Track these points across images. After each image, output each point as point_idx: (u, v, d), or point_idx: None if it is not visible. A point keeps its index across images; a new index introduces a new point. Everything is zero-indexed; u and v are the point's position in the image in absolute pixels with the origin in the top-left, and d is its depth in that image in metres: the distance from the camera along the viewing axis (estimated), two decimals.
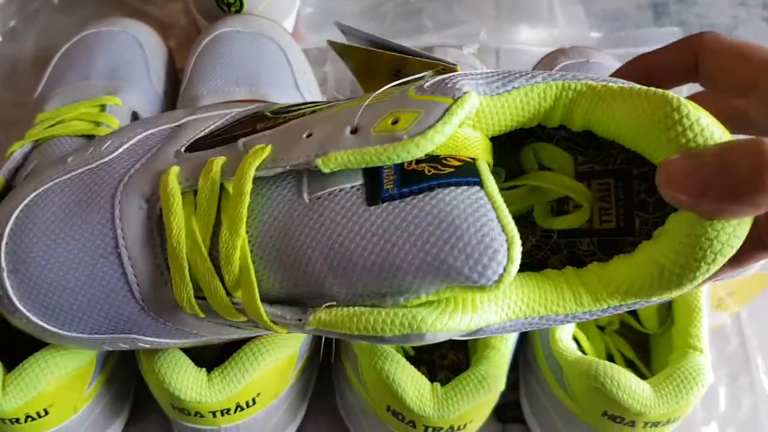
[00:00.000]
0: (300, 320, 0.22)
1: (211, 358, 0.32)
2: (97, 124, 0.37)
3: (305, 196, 0.22)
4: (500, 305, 0.21)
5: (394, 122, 0.21)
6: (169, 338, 0.27)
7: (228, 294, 0.23)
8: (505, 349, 0.32)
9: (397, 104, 0.22)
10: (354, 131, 0.21)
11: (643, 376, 0.32)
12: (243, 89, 0.40)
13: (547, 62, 0.47)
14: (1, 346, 0.29)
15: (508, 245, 0.19)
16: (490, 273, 0.19)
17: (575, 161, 0.25)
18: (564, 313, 0.22)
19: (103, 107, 0.37)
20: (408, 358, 0.37)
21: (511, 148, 0.26)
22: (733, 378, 0.42)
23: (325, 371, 0.39)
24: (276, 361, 0.30)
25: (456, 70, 0.23)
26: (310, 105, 0.26)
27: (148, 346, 0.28)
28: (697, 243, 0.19)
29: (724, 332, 0.43)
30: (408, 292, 0.20)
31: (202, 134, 0.26)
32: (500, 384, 0.31)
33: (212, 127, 0.27)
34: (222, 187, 0.23)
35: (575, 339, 0.36)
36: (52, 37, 0.49)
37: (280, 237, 0.22)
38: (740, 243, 0.20)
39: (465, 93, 0.21)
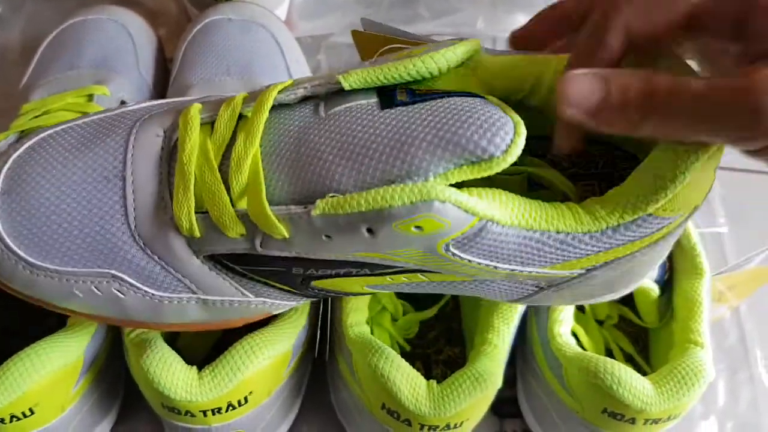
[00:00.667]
0: (305, 208, 0.22)
1: (201, 355, 0.31)
2: (85, 114, 0.36)
3: (322, 112, 0.24)
4: (505, 203, 0.22)
5: (409, 53, 0.24)
6: (148, 284, 0.26)
7: (232, 204, 0.24)
8: (502, 344, 0.32)
9: (409, 48, 0.25)
10: (372, 63, 0.24)
11: (642, 371, 0.32)
12: (234, 78, 0.39)
13: None
14: None
15: (514, 123, 0.21)
16: (498, 141, 0.21)
17: (562, 168, 0.27)
18: (564, 231, 0.22)
19: (90, 97, 0.37)
20: (403, 353, 0.36)
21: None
22: (732, 372, 0.42)
23: (319, 366, 0.38)
24: (269, 359, 0.30)
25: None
26: None
27: (122, 296, 0.27)
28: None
29: (723, 326, 0.43)
30: (418, 174, 0.21)
31: None
32: (497, 381, 0.31)
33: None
34: (240, 117, 0.25)
35: (574, 334, 0.36)
36: (40, 25, 0.48)
37: (293, 146, 0.23)
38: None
39: (456, 42, 0.24)
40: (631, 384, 0.30)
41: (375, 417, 0.32)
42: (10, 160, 0.26)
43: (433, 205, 0.21)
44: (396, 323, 0.37)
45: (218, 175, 0.24)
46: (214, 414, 0.29)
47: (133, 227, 0.25)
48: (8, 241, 0.25)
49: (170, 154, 0.25)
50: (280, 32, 0.43)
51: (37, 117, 0.36)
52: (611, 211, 0.22)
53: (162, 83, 0.44)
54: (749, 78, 0.19)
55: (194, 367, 0.29)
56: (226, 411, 0.29)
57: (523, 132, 0.21)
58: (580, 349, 0.33)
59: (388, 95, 0.23)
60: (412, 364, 0.30)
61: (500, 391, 0.32)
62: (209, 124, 0.25)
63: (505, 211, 0.22)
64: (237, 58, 0.40)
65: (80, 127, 0.28)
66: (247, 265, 0.26)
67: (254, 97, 0.25)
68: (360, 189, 0.22)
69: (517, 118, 0.22)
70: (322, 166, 0.22)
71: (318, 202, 0.22)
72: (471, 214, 0.21)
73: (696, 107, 0.20)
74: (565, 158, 0.27)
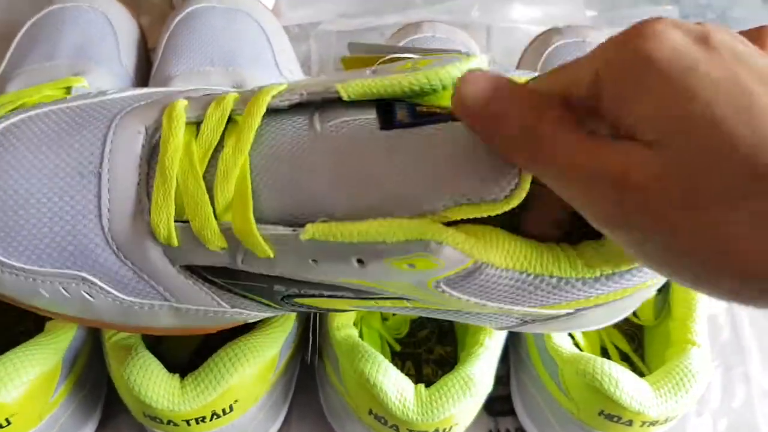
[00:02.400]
0: (294, 230, 0.21)
1: (185, 360, 0.30)
2: (63, 99, 0.34)
3: (317, 126, 0.22)
4: (502, 246, 0.21)
5: (414, 65, 0.22)
6: (119, 289, 0.25)
7: (216, 217, 0.23)
8: (494, 346, 0.31)
9: (414, 59, 0.23)
10: (373, 72, 0.23)
11: (637, 370, 0.32)
12: (218, 69, 0.38)
13: (542, 41, 0.45)
14: None
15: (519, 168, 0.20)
16: (504, 184, 0.20)
17: None
18: (558, 276, 0.21)
19: (68, 89, 0.36)
20: (394, 353, 0.36)
21: None
22: (726, 369, 0.41)
23: (309, 368, 0.37)
24: (255, 365, 0.29)
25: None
26: None
27: (92, 299, 0.25)
28: None
29: (718, 322, 0.43)
30: (415, 209, 0.20)
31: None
32: (488, 384, 0.30)
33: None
34: (230, 120, 0.23)
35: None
36: (15, 13, 0.47)
37: (284, 161, 0.22)
38: None
39: (469, 55, 0.23)
40: (629, 386, 0.29)
41: (363, 422, 0.31)
42: None
43: (429, 245, 0.20)
44: (386, 323, 0.36)
45: (202, 183, 0.23)
46: (197, 423, 0.28)
47: (106, 229, 0.24)
48: None
49: (151, 153, 0.24)
50: (267, 21, 0.42)
51: (13, 110, 0.34)
52: (607, 259, 0.21)
53: (144, 74, 0.42)
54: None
55: (177, 375, 0.28)
56: (211, 420, 0.28)
57: (527, 178, 0.20)
58: (576, 350, 0.32)
59: (387, 110, 0.22)
60: (403, 363, 0.29)
61: (493, 389, 0.31)
62: (195, 124, 0.24)
63: (501, 252, 0.21)
64: (221, 48, 0.39)
65: (55, 114, 0.26)
66: (227, 278, 0.25)
67: (246, 99, 0.23)
68: (353, 216, 0.20)
69: None
70: (315, 186, 0.21)
71: (308, 226, 0.21)
72: (467, 256, 0.20)
73: (560, 167, 0.17)
74: None
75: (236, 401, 0.29)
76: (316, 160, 0.21)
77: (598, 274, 0.21)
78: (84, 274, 0.24)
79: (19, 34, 0.41)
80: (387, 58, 0.25)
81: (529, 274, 0.21)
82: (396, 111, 0.22)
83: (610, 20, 0.53)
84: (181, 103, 0.24)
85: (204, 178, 0.23)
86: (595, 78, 0.17)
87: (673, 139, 0.15)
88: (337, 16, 0.53)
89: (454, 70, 0.21)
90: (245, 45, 0.39)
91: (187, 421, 0.28)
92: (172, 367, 0.29)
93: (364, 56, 0.27)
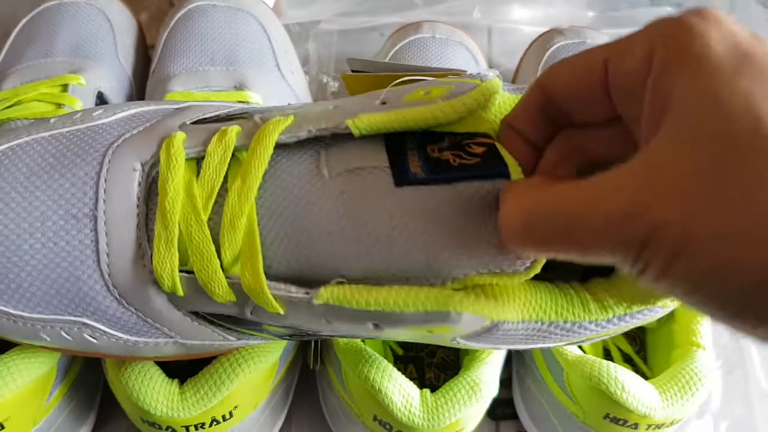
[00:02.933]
0: (307, 293, 0.20)
1: (183, 366, 0.30)
2: (59, 105, 0.34)
3: (325, 172, 0.21)
4: (518, 300, 0.21)
5: (426, 93, 0.21)
6: (124, 332, 0.24)
7: (223, 269, 0.21)
8: (499, 350, 0.31)
9: (425, 85, 0.22)
10: (383, 103, 0.22)
11: (640, 372, 0.32)
12: (218, 68, 0.37)
13: (543, 42, 0.45)
14: None
15: None
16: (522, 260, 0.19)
17: None
18: (572, 320, 0.21)
19: (65, 87, 0.35)
20: (396, 357, 0.35)
21: None
22: (727, 370, 0.41)
23: (309, 371, 0.37)
24: (256, 371, 0.28)
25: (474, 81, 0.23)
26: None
27: (95, 341, 0.24)
28: None
29: (718, 324, 0.42)
30: (435, 276, 0.20)
31: (210, 116, 0.24)
32: (493, 389, 0.30)
33: (220, 112, 0.25)
34: (233, 157, 0.22)
35: None
36: (12, 9, 0.46)
37: (293, 211, 0.21)
38: None
39: (490, 79, 0.21)
40: (636, 389, 0.29)
41: (367, 427, 0.30)
42: None
43: (449, 315, 0.19)
44: None
45: (208, 232, 0.21)
46: (197, 429, 0.28)
47: (106, 275, 0.22)
48: None
49: (149, 192, 0.22)
50: (268, 20, 0.41)
51: (8, 107, 0.34)
52: (620, 300, 0.21)
53: (142, 72, 0.42)
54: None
55: (176, 381, 0.27)
56: (210, 426, 0.28)
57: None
58: (581, 353, 0.32)
59: (399, 162, 0.21)
60: (405, 367, 0.29)
61: None
62: (196, 160, 0.22)
63: (517, 307, 0.20)
64: (222, 47, 0.38)
65: (40, 144, 0.23)
66: (234, 324, 0.24)
67: (249, 133, 0.22)
68: (368, 279, 0.20)
69: None
70: (327, 243, 0.20)
71: (322, 290, 0.20)
72: (484, 318, 0.20)
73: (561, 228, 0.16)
74: None
75: (236, 407, 0.28)
76: (326, 213, 0.20)
77: (611, 315, 0.21)
78: (85, 320, 0.23)
79: (15, 30, 0.40)
80: (395, 82, 0.24)
81: (543, 323, 0.21)
82: (409, 165, 0.21)
83: (611, 21, 0.53)
84: (180, 137, 0.22)
85: (208, 224, 0.21)
86: (650, 49, 0.16)
87: (702, 123, 0.14)
88: (338, 15, 0.52)
89: (470, 101, 0.20)
90: (246, 44, 0.39)
91: (186, 428, 0.27)
92: (170, 371, 0.28)
93: (365, 75, 0.27)
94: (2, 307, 0.23)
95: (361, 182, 0.21)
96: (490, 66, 0.47)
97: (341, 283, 0.20)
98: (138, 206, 0.22)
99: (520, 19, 0.53)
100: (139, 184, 0.22)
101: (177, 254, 0.21)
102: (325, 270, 0.20)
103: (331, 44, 0.51)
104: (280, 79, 0.39)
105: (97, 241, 0.22)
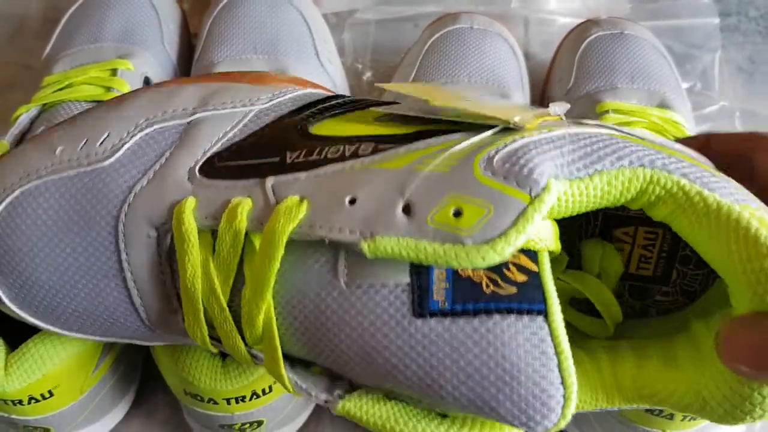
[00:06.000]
0: (326, 402, 0.20)
1: None
2: (108, 89, 0.35)
3: (342, 280, 0.19)
4: None
5: (457, 214, 0.18)
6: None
7: (246, 345, 0.21)
8: None
9: (459, 185, 0.18)
10: (406, 209, 0.18)
11: None
12: (261, 57, 0.38)
13: (580, 33, 0.45)
14: (3, 324, 0.28)
15: (564, 400, 0.18)
16: (539, 428, 0.18)
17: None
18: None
19: (114, 71, 0.36)
20: None
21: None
22: None
23: None
24: None
25: (522, 129, 0.20)
26: (344, 109, 0.24)
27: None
28: (749, 398, 0.19)
29: None
30: (447, 411, 0.20)
31: (218, 147, 0.23)
32: None
33: (230, 134, 0.23)
34: (246, 236, 0.21)
35: None
36: None
37: (309, 316, 0.20)
38: None
39: (543, 189, 0.18)
40: None
41: None
42: None
43: None
44: None
45: (229, 315, 0.21)
46: (237, 402, 0.28)
47: (147, 323, 0.23)
48: (25, 316, 0.24)
49: (169, 253, 0.22)
50: (308, 9, 0.42)
51: (59, 90, 0.35)
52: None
53: (186, 59, 0.43)
54: None
55: (218, 355, 0.28)
56: (250, 399, 0.29)
57: (569, 413, 0.18)
58: None
59: (423, 279, 0.19)
60: None
61: None
62: (209, 232, 0.21)
63: None
64: (263, 36, 0.39)
65: (51, 194, 0.23)
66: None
67: (260, 216, 0.20)
68: (384, 389, 0.20)
69: (572, 386, 0.18)
70: (341, 360, 0.20)
71: (338, 406, 0.20)
72: None
73: None
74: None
75: (275, 382, 0.29)
76: (343, 328, 0.19)
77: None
78: (139, 342, 0.25)
79: (66, 16, 0.41)
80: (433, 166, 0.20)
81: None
82: (433, 291, 0.19)
83: (649, 12, 0.52)
84: (189, 207, 0.21)
85: (230, 306, 0.21)
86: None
87: None
88: (374, 4, 0.52)
89: (508, 249, 0.17)
90: (287, 34, 0.39)
91: (228, 400, 0.28)
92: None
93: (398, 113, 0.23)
94: (68, 332, 0.25)
95: (377, 304, 0.19)
96: (527, 56, 0.47)
97: (361, 395, 0.20)
98: (161, 265, 0.22)
99: (557, 10, 0.53)
100: (159, 245, 0.22)
101: (205, 326, 0.22)
102: (340, 371, 0.20)
103: (368, 34, 0.51)
104: (319, 68, 0.39)
105: (130, 297, 0.23)
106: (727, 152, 0.22)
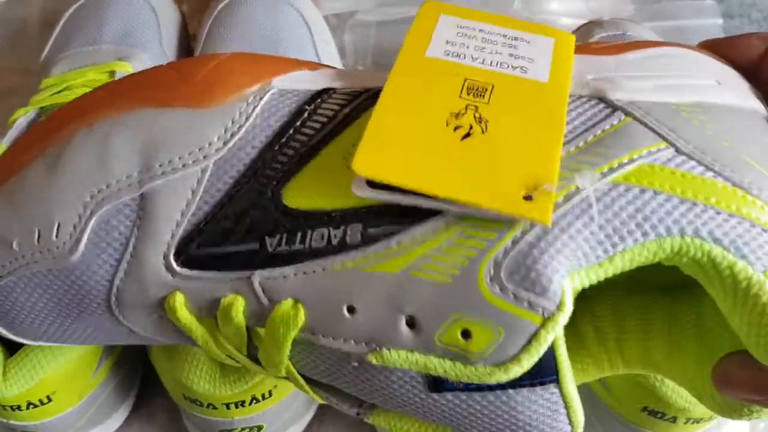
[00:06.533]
0: (358, 414, 0.21)
1: None
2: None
3: (353, 363, 0.19)
4: None
5: (465, 335, 0.17)
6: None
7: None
8: None
9: (465, 303, 0.17)
10: (410, 323, 0.18)
11: None
12: None
13: (582, 34, 0.45)
14: None
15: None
16: None
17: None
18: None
19: (112, 74, 0.36)
20: None
21: None
22: None
23: None
24: None
25: (543, 223, 0.17)
26: (317, 139, 0.20)
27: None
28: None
29: None
30: None
31: (186, 226, 0.20)
32: None
33: (193, 207, 0.20)
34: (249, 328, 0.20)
35: None
36: None
37: (325, 377, 0.21)
38: None
39: (557, 306, 0.17)
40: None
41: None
42: None
43: None
44: None
45: (249, 362, 0.21)
46: (237, 407, 0.28)
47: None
48: (25, 341, 0.24)
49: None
50: (308, 11, 0.42)
51: (58, 93, 0.35)
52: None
53: None
54: None
55: (217, 362, 0.28)
56: (250, 404, 0.28)
57: None
58: None
59: None
60: None
61: None
62: (211, 318, 0.20)
63: None
64: (263, 38, 0.39)
65: (29, 285, 0.21)
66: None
67: (255, 314, 0.19)
68: None
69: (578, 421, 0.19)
70: (369, 400, 0.20)
71: (370, 419, 0.21)
72: None
73: None
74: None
75: (275, 386, 0.29)
76: (360, 390, 0.20)
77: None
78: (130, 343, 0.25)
79: (64, 18, 0.41)
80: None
81: None
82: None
83: (652, 14, 0.52)
84: (179, 302, 0.20)
85: (249, 354, 0.21)
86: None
87: None
88: (375, 6, 0.52)
89: (520, 371, 0.17)
90: (287, 35, 0.39)
91: (227, 405, 0.28)
92: None
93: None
94: (68, 344, 0.25)
95: (393, 381, 0.19)
96: None
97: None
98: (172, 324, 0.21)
99: (559, 11, 0.53)
100: (163, 318, 0.21)
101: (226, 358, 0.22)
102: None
103: (369, 36, 0.51)
104: None
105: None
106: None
